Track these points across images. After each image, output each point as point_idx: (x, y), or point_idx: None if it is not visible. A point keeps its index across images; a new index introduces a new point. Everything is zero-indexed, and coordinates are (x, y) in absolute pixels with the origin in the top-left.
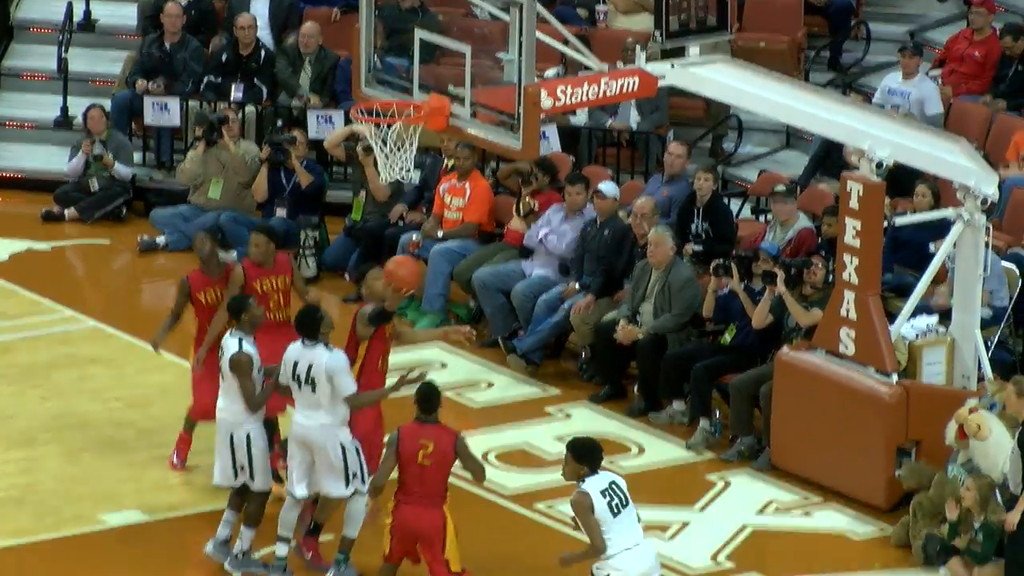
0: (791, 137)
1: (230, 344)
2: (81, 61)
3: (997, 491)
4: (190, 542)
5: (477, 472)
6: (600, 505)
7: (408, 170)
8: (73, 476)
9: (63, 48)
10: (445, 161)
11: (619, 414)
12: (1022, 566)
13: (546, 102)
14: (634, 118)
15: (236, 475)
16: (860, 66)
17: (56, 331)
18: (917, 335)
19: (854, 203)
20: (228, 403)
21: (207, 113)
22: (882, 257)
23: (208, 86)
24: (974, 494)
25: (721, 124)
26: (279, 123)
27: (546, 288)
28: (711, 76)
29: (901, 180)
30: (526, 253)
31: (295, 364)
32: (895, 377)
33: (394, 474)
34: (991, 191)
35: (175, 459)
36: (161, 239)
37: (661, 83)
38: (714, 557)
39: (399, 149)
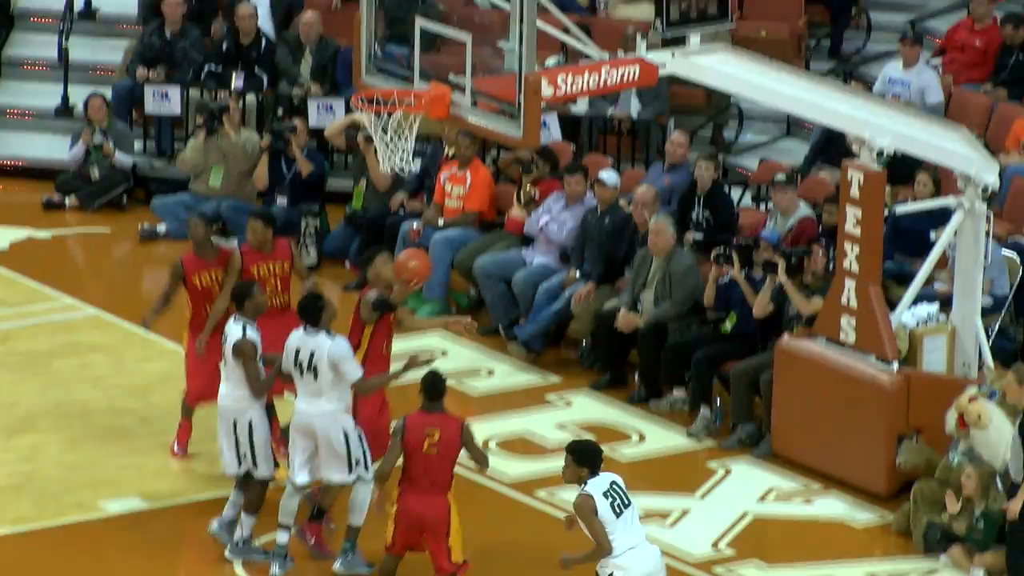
0: (792, 126)
1: (234, 330)
2: (82, 50)
3: (998, 478)
4: (191, 529)
5: (481, 460)
6: (603, 506)
7: (407, 162)
8: (74, 464)
9: (64, 37)
10: (446, 149)
11: (620, 402)
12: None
13: (547, 90)
14: (635, 107)
15: (240, 463)
16: (861, 55)
17: (57, 319)
18: (918, 323)
19: (855, 191)
20: (230, 389)
21: (208, 102)
22: (883, 245)
23: (209, 75)
24: (975, 482)
25: (722, 113)
26: (280, 112)
27: (547, 276)
28: (712, 65)
29: (902, 168)
30: (527, 241)
31: (297, 351)
32: (896, 365)
33: (399, 462)
34: (992, 179)
35: (176, 447)
36: (162, 227)
37: (662, 72)
38: (715, 544)
39: (400, 138)
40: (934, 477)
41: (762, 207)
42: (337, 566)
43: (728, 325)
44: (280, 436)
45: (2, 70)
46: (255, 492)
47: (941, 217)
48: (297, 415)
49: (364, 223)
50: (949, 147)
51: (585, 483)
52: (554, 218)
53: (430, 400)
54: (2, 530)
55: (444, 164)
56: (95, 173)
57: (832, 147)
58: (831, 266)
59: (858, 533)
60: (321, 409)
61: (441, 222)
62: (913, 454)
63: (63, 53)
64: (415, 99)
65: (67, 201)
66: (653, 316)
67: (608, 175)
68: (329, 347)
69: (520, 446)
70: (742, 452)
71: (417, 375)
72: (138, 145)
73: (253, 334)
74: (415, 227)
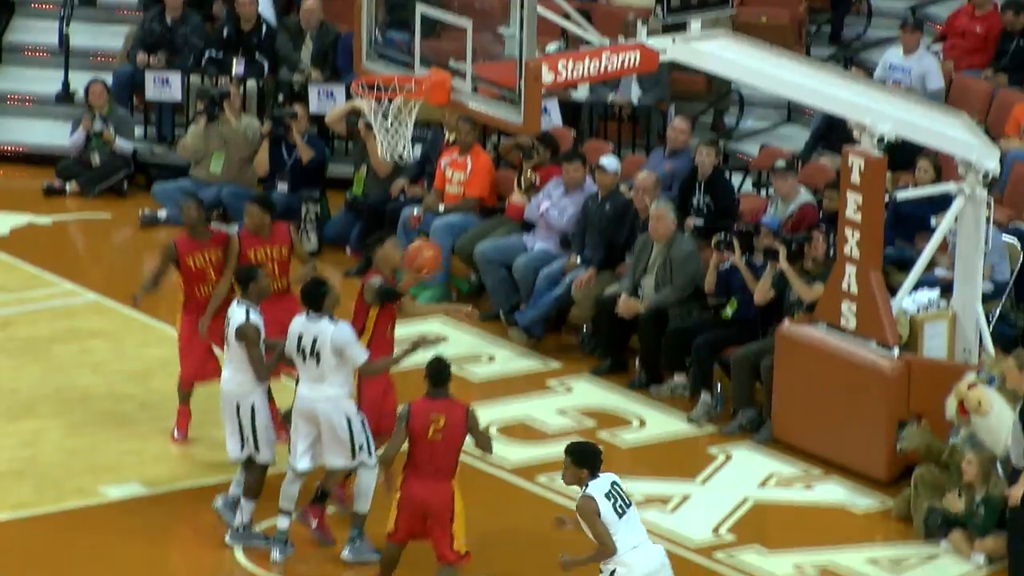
0: (792, 112)
1: (237, 314)
2: (82, 36)
3: (998, 464)
4: (191, 515)
5: (486, 446)
6: (605, 508)
7: (406, 150)
8: (74, 449)
9: (65, 23)
10: (446, 135)
11: (620, 387)
12: None
13: (547, 76)
14: (635, 93)
15: (243, 447)
16: (861, 41)
17: (57, 305)
18: (918, 309)
19: (855, 177)
20: (233, 373)
21: (208, 88)
22: (883, 231)
23: (209, 61)
24: (975, 468)
25: (722, 99)
26: (280, 98)
27: (547, 262)
28: (712, 51)
29: (903, 154)
30: (528, 227)
31: (299, 337)
32: (896, 351)
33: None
34: (992, 165)
35: (176, 433)
36: (162, 213)
37: (662, 58)
38: (715, 530)
39: (401, 125)
40: (939, 460)
41: (763, 193)
42: (345, 554)
43: (729, 311)
44: (281, 420)
45: (3, 56)
46: (255, 476)
47: (942, 203)
48: (299, 400)
49: (365, 209)
50: (950, 133)
51: (586, 485)
52: (554, 204)
53: (435, 386)
54: (3, 515)
55: (445, 150)
56: (96, 159)
57: (833, 133)
58: (831, 252)
59: (859, 518)
60: (324, 394)
61: (442, 208)
62: (914, 438)
63: (64, 39)
64: (416, 85)
65: (68, 187)
66: (654, 302)
67: (609, 161)
68: (332, 333)
69: (521, 432)
70: (743, 437)
71: (421, 360)
72: (139, 131)
73: (256, 318)
74: (415, 213)
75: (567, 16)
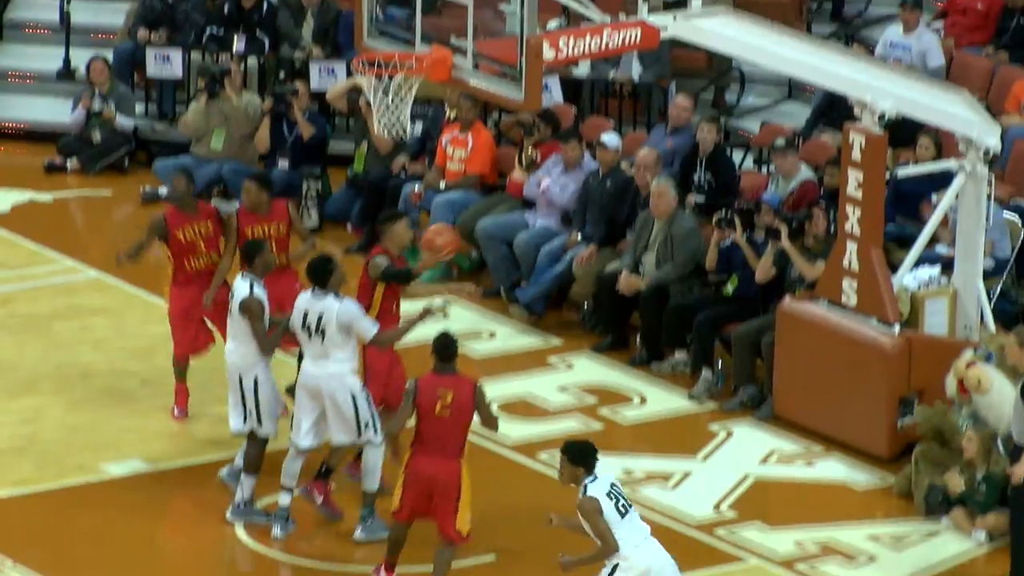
0: (793, 89)
1: (241, 287)
2: (83, 13)
3: (999, 441)
4: (192, 492)
5: (491, 423)
6: (608, 507)
7: (404, 128)
8: (75, 426)
9: (65, 0)
10: (447, 112)
11: (621, 364)
12: None
13: (548, 53)
14: (636, 70)
15: (245, 420)
16: (863, 18)
17: (58, 281)
18: (919, 286)
19: (856, 154)
20: (236, 345)
21: (209, 65)
22: (884, 208)
23: (210, 38)
24: (976, 445)
25: (723, 76)
26: (281, 75)
27: (548, 238)
28: (713, 28)
29: (903, 131)
30: (529, 204)
31: (305, 313)
32: (897, 327)
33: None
34: (993, 142)
35: (176, 411)
36: (163, 190)
37: (663, 35)
38: (716, 507)
39: (401, 102)
40: (943, 439)
41: (764, 170)
42: (358, 533)
43: (730, 288)
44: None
45: (4, 33)
46: (256, 450)
47: (943, 180)
48: (303, 377)
49: (365, 186)
50: (951, 110)
51: (585, 484)
52: (555, 180)
53: (442, 361)
54: (4, 492)
55: (445, 127)
56: (97, 136)
57: (834, 110)
58: (832, 229)
59: (859, 495)
60: (328, 371)
61: (443, 185)
62: (926, 415)
63: (65, 16)
64: (416, 62)
65: (69, 164)
66: (655, 278)
67: (610, 138)
68: (338, 310)
69: (522, 409)
70: (744, 414)
71: (427, 335)
72: (139, 108)
73: (260, 292)
74: (416, 190)
75: None
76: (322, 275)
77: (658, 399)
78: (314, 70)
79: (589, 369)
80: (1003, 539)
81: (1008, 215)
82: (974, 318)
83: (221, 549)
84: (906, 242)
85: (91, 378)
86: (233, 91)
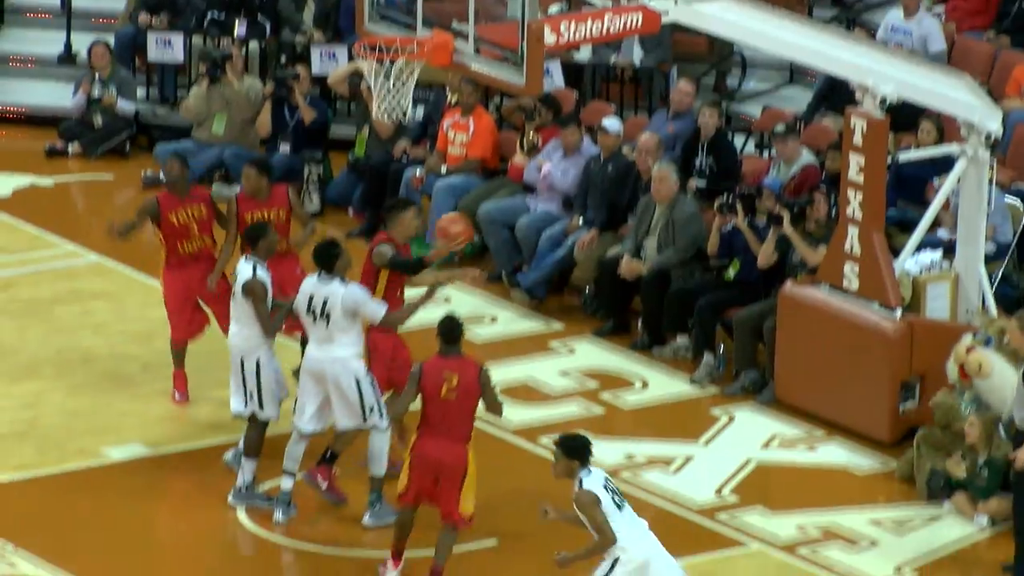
0: (795, 73)
1: (244, 270)
2: None
3: (1000, 426)
4: (193, 476)
5: (495, 408)
6: (606, 500)
7: (404, 112)
8: (76, 410)
9: None
10: (449, 97)
11: (623, 348)
12: None
13: (549, 38)
14: (637, 54)
15: (246, 403)
16: (864, 2)
17: (59, 266)
18: (921, 270)
19: (858, 139)
20: (239, 328)
21: (211, 50)
22: (886, 193)
23: (212, 22)
24: (977, 430)
25: (725, 60)
26: (283, 59)
27: (550, 223)
28: (714, 13)
29: (905, 115)
30: (530, 189)
31: (310, 298)
32: (899, 312)
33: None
34: (995, 127)
35: (176, 396)
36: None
37: (664, 20)
38: (718, 491)
39: (403, 86)
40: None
41: (765, 154)
42: (366, 519)
43: (731, 272)
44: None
45: (5, 17)
46: (256, 433)
47: (944, 164)
48: (308, 361)
49: (367, 170)
50: (952, 95)
51: (580, 478)
52: (555, 165)
53: (448, 344)
54: (5, 477)
55: (447, 111)
56: (98, 120)
57: (835, 94)
58: (833, 213)
59: (861, 480)
60: (332, 355)
61: (444, 169)
62: (939, 401)
63: (65, 0)
64: (418, 46)
65: (70, 148)
66: (656, 263)
67: (611, 122)
68: (343, 294)
69: (523, 393)
70: (745, 399)
71: (431, 319)
72: (140, 92)
73: (263, 274)
74: (418, 174)
75: None
76: (328, 259)
77: (660, 384)
78: (315, 54)
79: (591, 354)
80: (1005, 524)
81: (1010, 199)
82: (976, 302)
83: (222, 533)
84: (908, 226)
85: (92, 362)
86: (234, 75)
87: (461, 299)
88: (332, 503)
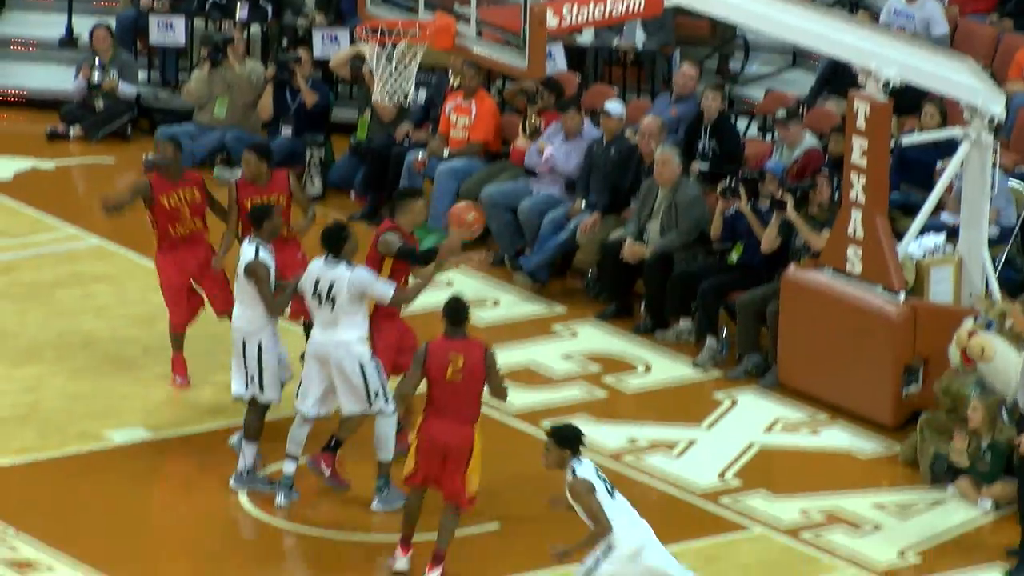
0: (798, 56)
1: (247, 251)
2: None
3: (1003, 410)
4: (195, 459)
5: (500, 392)
6: (600, 487)
7: (406, 95)
8: (78, 394)
9: None
10: (451, 80)
11: (626, 332)
12: None
13: (552, 21)
14: (640, 37)
15: (247, 386)
16: None
17: (60, 249)
18: (924, 254)
19: (861, 122)
20: (242, 310)
21: (212, 33)
22: (889, 176)
23: (213, 5)
24: (980, 415)
25: (727, 43)
26: (284, 42)
27: (552, 206)
28: None
29: (908, 99)
30: (533, 172)
31: (316, 281)
32: (902, 295)
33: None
34: (998, 110)
35: (177, 380)
36: None
37: (667, 3)
38: (721, 475)
39: (405, 69)
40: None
41: (768, 138)
42: (375, 504)
43: (734, 255)
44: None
45: (6, 1)
46: (256, 416)
47: (947, 148)
48: (312, 344)
49: (369, 154)
50: (955, 78)
51: (572, 468)
52: (558, 148)
53: (453, 325)
54: (6, 460)
55: (449, 95)
56: (99, 104)
57: (838, 78)
58: (836, 196)
59: (864, 464)
60: (337, 339)
61: (446, 153)
62: (946, 382)
63: None
64: (420, 29)
65: (71, 131)
66: (659, 246)
67: (614, 106)
68: (349, 278)
69: (525, 376)
70: (748, 382)
71: (436, 302)
72: (142, 75)
73: (266, 255)
74: (420, 158)
75: None
76: (336, 242)
77: (663, 367)
78: (317, 37)
79: (593, 337)
80: (1009, 507)
81: (1013, 183)
82: (979, 286)
83: (224, 517)
84: (911, 210)
85: (93, 346)
86: (236, 59)
87: (463, 283)
88: (335, 489)
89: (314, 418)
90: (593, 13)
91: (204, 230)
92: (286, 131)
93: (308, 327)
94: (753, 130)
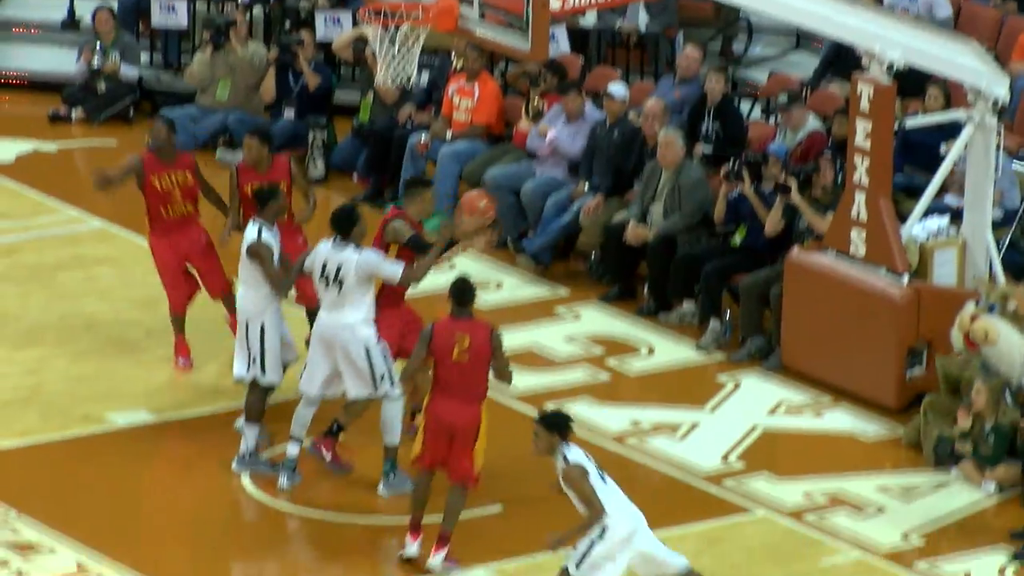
0: (801, 39)
1: (250, 232)
2: None
3: (1007, 392)
4: (197, 442)
5: (504, 374)
6: (593, 472)
7: (408, 77)
8: (80, 376)
9: None
10: (454, 62)
11: (629, 314)
12: None
13: (555, 3)
14: (643, 19)
15: (248, 367)
16: None
17: (62, 232)
18: (928, 236)
19: (865, 105)
20: (245, 290)
21: (215, 16)
22: (893, 158)
23: None
24: (984, 397)
25: (731, 26)
26: (287, 25)
27: (555, 188)
28: None
29: (912, 81)
30: (535, 155)
31: (324, 263)
32: (906, 278)
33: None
34: (1002, 93)
35: (180, 362)
36: None
37: None
38: (724, 457)
39: (408, 52)
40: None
41: (771, 120)
42: (381, 489)
43: (738, 238)
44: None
45: None
46: (255, 397)
47: (951, 130)
48: (318, 326)
49: (371, 136)
50: (959, 60)
51: (563, 453)
52: (560, 131)
53: (459, 305)
54: (8, 443)
55: (452, 77)
56: (102, 86)
57: (842, 60)
58: (839, 179)
59: (868, 446)
60: (342, 321)
61: (449, 135)
62: (945, 364)
63: None
64: (423, 11)
65: (73, 114)
66: (662, 228)
67: (617, 88)
68: (357, 261)
69: (528, 359)
70: (752, 365)
71: (442, 283)
72: (144, 58)
73: (268, 236)
74: (423, 140)
75: None
76: (346, 225)
77: (666, 350)
78: (320, 20)
79: (596, 319)
80: (1013, 490)
81: (1017, 165)
82: (983, 269)
83: (226, 499)
84: (915, 192)
85: (96, 328)
86: (238, 41)
87: (467, 265)
88: (336, 473)
89: (317, 399)
90: None
91: (196, 214)
92: (288, 113)
93: (312, 315)
94: (757, 112)
